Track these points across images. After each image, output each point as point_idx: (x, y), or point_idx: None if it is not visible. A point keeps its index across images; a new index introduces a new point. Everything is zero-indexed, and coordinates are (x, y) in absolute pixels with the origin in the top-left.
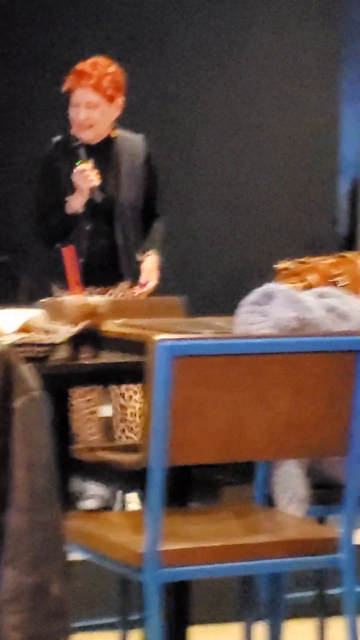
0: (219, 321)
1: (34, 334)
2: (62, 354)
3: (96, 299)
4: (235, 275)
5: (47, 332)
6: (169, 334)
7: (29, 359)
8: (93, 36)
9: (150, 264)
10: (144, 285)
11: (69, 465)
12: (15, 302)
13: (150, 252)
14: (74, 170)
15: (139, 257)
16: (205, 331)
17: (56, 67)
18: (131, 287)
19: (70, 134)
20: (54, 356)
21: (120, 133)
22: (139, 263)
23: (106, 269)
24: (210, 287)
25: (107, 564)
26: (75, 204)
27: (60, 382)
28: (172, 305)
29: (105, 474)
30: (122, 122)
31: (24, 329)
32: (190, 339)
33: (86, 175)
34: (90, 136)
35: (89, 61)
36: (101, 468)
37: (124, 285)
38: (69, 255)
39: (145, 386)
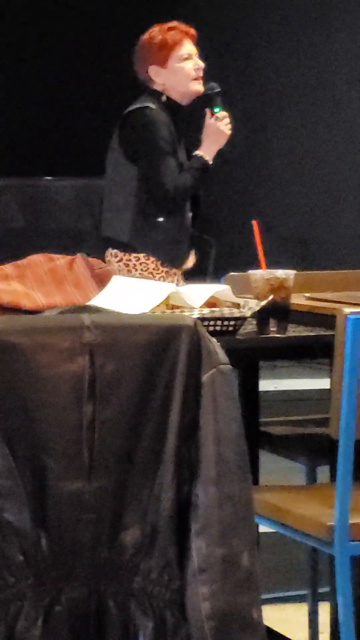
0: None
1: (223, 308)
2: (249, 327)
3: (284, 272)
4: None
5: (235, 305)
6: (359, 307)
7: (216, 333)
8: None
9: None
10: None
11: (258, 438)
12: (204, 275)
13: None
14: (217, 116)
15: None
16: None
17: None
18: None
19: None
20: (241, 330)
21: None
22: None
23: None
24: None
25: (295, 537)
26: (213, 154)
27: (248, 356)
28: None
29: (294, 448)
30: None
31: (211, 302)
32: None
33: (228, 122)
34: (201, 88)
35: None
36: (290, 441)
37: None
38: (257, 228)
39: (335, 360)
